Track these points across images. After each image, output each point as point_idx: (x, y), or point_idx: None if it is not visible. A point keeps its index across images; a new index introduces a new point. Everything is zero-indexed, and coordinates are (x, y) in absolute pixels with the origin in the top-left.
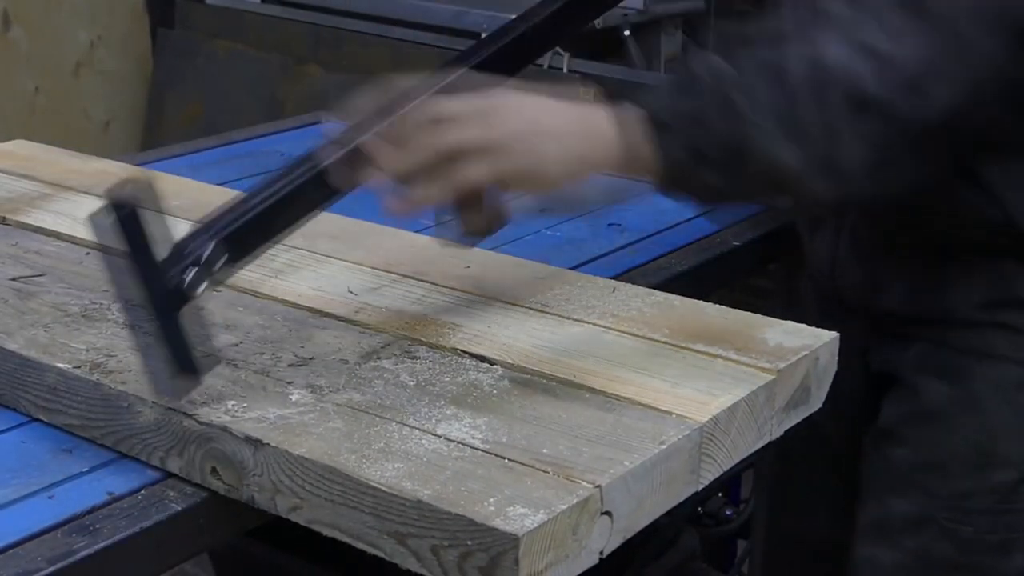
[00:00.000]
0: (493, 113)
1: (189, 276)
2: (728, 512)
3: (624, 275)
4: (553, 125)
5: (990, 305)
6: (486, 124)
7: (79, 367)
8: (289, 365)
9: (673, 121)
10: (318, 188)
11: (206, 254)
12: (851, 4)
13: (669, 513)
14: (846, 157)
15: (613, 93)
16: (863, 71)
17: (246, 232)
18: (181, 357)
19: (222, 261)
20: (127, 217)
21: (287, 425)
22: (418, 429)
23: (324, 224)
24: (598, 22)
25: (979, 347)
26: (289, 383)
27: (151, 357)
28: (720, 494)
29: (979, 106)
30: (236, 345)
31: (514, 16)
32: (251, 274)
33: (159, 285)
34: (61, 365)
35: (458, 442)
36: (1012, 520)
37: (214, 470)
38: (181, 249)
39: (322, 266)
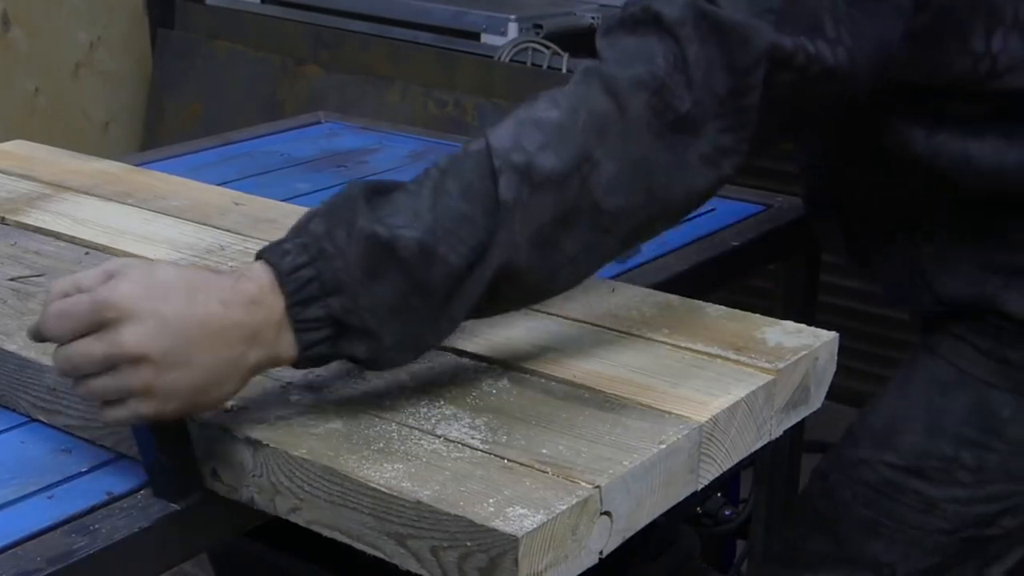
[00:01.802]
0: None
1: None
2: (727, 512)
3: (624, 275)
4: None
5: (942, 315)
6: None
7: None
8: None
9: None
10: None
11: None
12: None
13: (668, 513)
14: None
15: None
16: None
17: None
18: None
19: None
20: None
21: (286, 426)
22: (417, 429)
23: None
24: (597, 22)
25: (930, 344)
26: (288, 383)
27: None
28: (719, 494)
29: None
30: None
31: (512, 16)
32: None
33: None
34: None
35: (457, 442)
36: (887, 506)
37: (214, 471)
38: None
39: None
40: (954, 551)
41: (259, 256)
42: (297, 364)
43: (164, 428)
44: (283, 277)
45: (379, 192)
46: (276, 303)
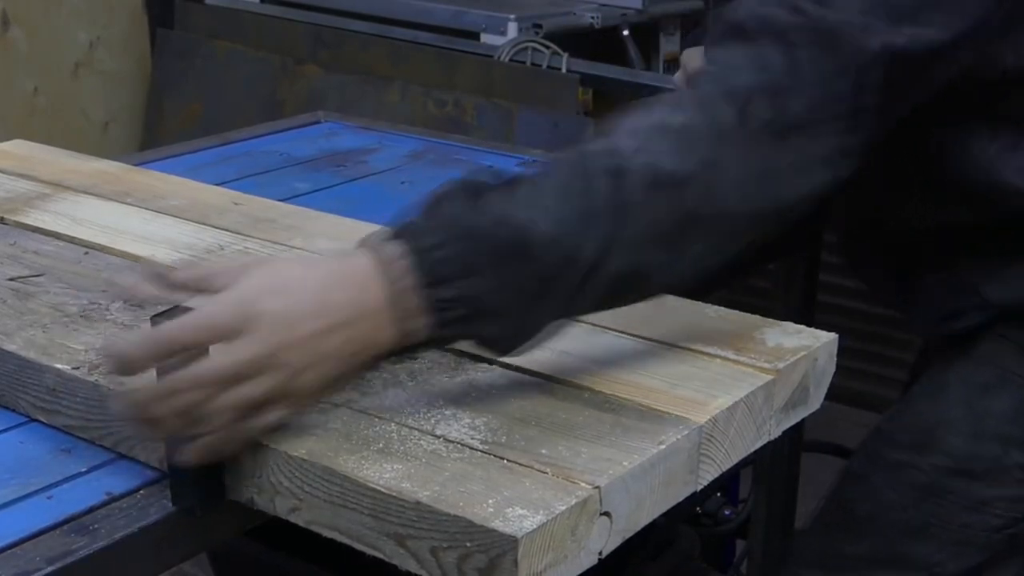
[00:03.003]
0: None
1: None
2: (727, 512)
3: None
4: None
5: (990, 317)
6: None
7: (78, 368)
8: None
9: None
10: None
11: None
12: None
13: (667, 513)
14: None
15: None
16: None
17: None
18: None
19: None
20: None
21: (286, 426)
22: (417, 430)
23: (322, 224)
24: (597, 21)
25: (965, 348)
26: None
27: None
28: (719, 494)
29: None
30: None
31: (512, 16)
32: None
33: None
34: (60, 366)
35: (457, 443)
36: (933, 506)
37: None
38: None
39: None
40: (1002, 547)
41: (394, 236)
42: (427, 343)
43: None
44: (420, 256)
45: (506, 182)
46: (410, 282)
